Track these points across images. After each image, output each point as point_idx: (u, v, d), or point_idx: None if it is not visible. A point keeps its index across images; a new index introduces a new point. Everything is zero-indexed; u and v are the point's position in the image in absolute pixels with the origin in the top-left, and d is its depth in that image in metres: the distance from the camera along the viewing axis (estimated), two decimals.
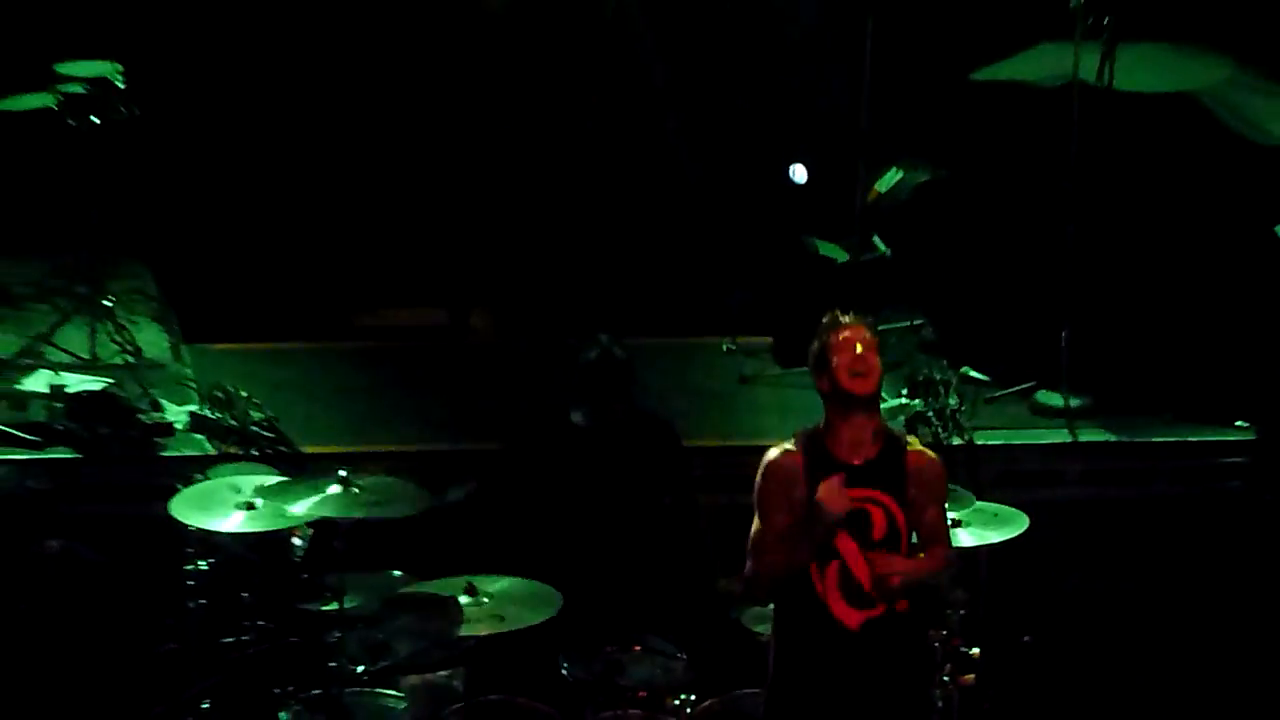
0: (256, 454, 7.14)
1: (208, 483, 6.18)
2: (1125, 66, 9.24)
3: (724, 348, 9.88)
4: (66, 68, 8.13)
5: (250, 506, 5.80)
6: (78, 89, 7.90)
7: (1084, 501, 9.17)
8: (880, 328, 6.22)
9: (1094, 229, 9.99)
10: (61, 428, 7.35)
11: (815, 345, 5.42)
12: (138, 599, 6.76)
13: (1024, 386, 9.54)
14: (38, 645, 6.64)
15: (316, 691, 6.04)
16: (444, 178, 11.11)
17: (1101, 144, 10.20)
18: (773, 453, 5.30)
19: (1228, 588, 9.20)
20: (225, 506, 5.89)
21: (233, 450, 7.23)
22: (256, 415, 7.20)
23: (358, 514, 5.74)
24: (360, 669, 5.97)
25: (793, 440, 5.34)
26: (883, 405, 5.75)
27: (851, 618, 5.23)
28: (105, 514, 7.13)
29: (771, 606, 5.51)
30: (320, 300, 9.55)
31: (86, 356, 7.85)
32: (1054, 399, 9.26)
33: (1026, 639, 8.71)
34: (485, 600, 5.80)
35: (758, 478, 5.32)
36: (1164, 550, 9.33)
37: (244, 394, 7.30)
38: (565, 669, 6.19)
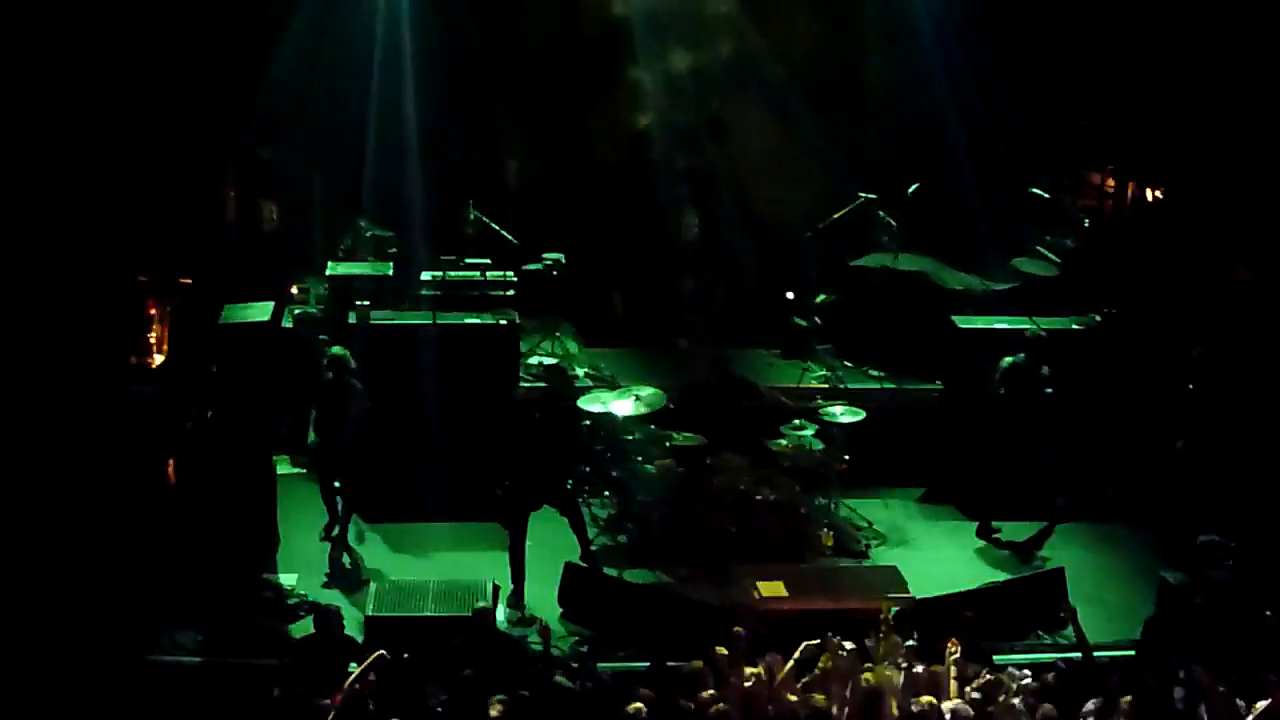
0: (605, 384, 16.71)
1: (589, 395, 15.90)
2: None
3: None
4: None
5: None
6: None
7: None
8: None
9: None
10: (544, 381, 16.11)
11: None
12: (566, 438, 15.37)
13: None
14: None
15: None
16: None
17: None
18: None
19: None
20: (595, 404, 15.72)
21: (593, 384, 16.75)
22: (607, 373, 17.43)
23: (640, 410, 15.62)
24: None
25: None
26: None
27: None
28: (551, 407, 14.88)
29: None
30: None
31: (554, 352, 17.81)
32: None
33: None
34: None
35: None
36: None
37: (602, 365, 17.68)
38: None
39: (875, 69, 19.19)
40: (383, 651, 11.57)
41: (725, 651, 11.76)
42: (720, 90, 19.30)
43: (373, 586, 13.97)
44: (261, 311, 15.40)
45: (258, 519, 14.70)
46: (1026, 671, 11.89)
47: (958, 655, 11.73)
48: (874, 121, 19.20)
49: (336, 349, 14.93)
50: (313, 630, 12.66)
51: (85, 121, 15.62)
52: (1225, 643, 12.48)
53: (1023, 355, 15.42)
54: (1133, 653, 12.76)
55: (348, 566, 14.84)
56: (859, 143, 19.22)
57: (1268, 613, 12.47)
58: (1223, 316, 16.88)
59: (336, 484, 14.89)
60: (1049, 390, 15.28)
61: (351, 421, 14.57)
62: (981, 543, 15.87)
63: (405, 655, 11.65)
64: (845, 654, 11.60)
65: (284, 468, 15.74)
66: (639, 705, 10.90)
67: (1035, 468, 15.46)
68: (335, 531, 14.88)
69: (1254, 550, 14.07)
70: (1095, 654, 12.30)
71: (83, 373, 14.88)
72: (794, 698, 11.23)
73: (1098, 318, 16.37)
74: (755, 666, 11.59)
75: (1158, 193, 19.33)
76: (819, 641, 11.60)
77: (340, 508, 14.93)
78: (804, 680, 11.48)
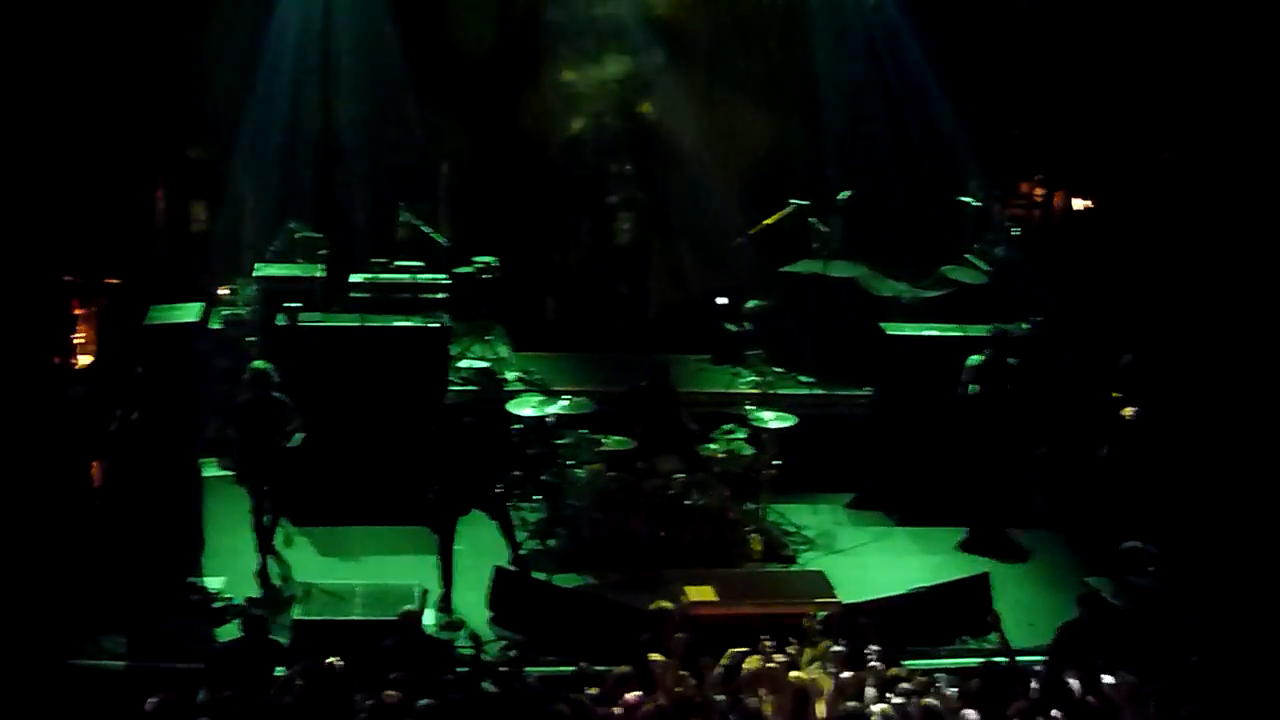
0: (536, 388, 16.77)
1: (519, 399, 15.93)
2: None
3: None
4: None
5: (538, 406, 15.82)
6: None
7: None
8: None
9: None
10: (475, 384, 16.45)
11: None
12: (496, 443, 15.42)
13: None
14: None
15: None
16: None
17: None
18: None
19: None
20: (526, 408, 15.74)
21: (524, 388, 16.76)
22: (538, 377, 17.47)
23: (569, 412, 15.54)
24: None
25: None
26: None
27: None
28: (482, 411, 15.25)
29: None
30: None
31: (485, 356, 17.66)
32: None
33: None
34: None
35: None
36: None
37: (533, 370, 17.61)
38: None
39: (809, 75, 19.21)
40: (308, 659, 11.51)
41: (657, 656, 11.75)
42: (652, 94, 19.23)
43: (300, 589, 13.86)
44: (189, 313, 15.29)
45: (184, 521, 14.57)
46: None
47: (877, 660, 11.77)
48: (806, 128, 19.20)
49: (258, 363, 14.73)
50: (239, 634, 12.54)
51: (13, 120, 15.43)
52: (1147, 648, 12.55)
53: (989, 352, 15.46)
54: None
55: (275, 573, 14.69)
56: (790, 149, 19.25)
57: (1193, 620, 12.68)
58: (1150, 324, 16.99)
59: (264, 494, 14.68)
60: (1010, 388, 15.34)
61: (279, 439, 14.40)
62: (909, 548, 15.95)
63: (332, 660, 11.56)
64: (774, 658, 11.62)
65: (211, 470, 15.61)
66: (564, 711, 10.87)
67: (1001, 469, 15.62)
68: (266, 552, 14.72)
69: (1177, 556, 14.18)
70: (1019, 659, 12.37)
71: (8, 373, 14.78)
72: (723, 698, 11.23)
73: (1026, 325, 16.45)
74: (684, 670, 11.57)
75: (1086, 202, 19.45)
76: (745, 649, 11.60)
77: (267, 518, 14.73)
78: (732, 683, 11.48)
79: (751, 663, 11.56)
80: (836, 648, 12.13)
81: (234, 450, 14.63)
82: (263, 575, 14.49)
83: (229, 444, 14.93)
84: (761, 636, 11.98)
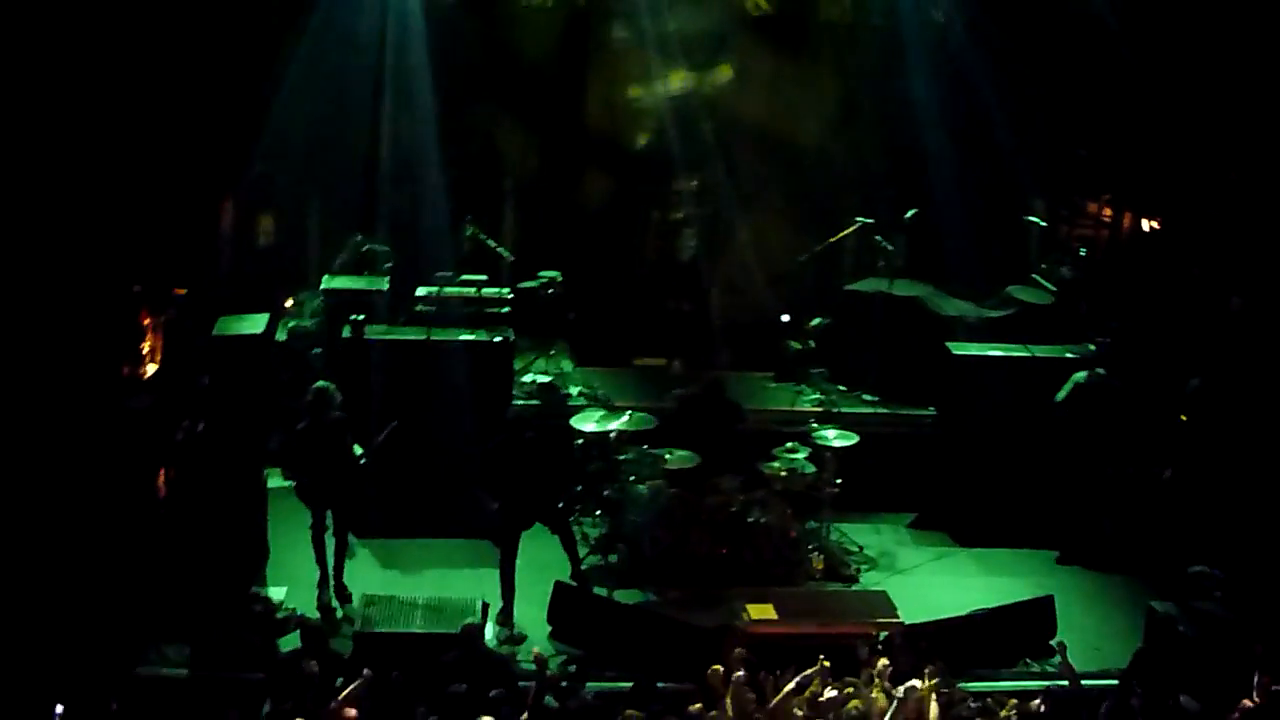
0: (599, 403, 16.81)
1: (582, 414, 16.05)
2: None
3: None
4: None
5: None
6: None
7: None
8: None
9: None
10: (538, 399, 16.91)
11: None
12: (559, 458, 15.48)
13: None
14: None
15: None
16: None
17: None
18: None
19: None
20: (588, 423, 15.77)
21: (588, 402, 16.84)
22: (600, 391, 17.49)
23: (631, 428, 15.63)
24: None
25: None
26: None
27: None
28: (544, 425, 15.27)
29: None
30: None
31: (548, 370, 17.74)
32: None
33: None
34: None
35: None
36: None
37: (595, 385, 17.64)
38: None
39: (875, 92, 19.19)
40: (368, 671, 11.54)
41: (719, 669, 11.72)
42: (717, 109, 19.26)
43: (362, 601, 13.90)
44: (255, 324, 15.40)
45: (248, 532, 14.67)
46: (1014, 700, 11.83)
47: (938, 681, 11.69)
48: (872, 146, 19.15)
49: (321, 383, 14.59)
50: (300, 645, 12.60)
51: (84, 130, 15.55)
52: (1214, 674, 12.43)
53: (1090, 371, 15.39)
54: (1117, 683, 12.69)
55: (336, 605, 14.59)
56: (856, 166, 19.19)
57: (1258, 646, 12.45)
58: (1217, 347, 16.85)
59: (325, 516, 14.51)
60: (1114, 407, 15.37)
61: (343, 461, 14.24)
62: (970, 569, 15.86)
63: (395, 674, 11.58)
64: (834, 679, 11.57)
65: (275, 481, 15.68)
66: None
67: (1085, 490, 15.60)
68: (325, 569, 14.55)
69: (1244, 581, 14.03)
70: (1083, 683, 12.28)
71: (76, 383, 14.79)
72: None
73: (1092, 347, 16.34)
74: (748, 688, 11.53)
75: (1154, 223, 19.33)
76: (817, 668, 11.55)
77: (334, 550, 14.56)
78: (794, 704, 11.43)
79: (814, 686, 11.48)
80: (892, 668, 12.03)
81: (297, 472, 14.51)
82: (322, 590, 14.46)
83: (292, 458, 14.91)
84: (820, 657, 11.87)
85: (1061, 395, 15.63)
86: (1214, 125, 17.39)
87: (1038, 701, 11.71)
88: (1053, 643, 13.10)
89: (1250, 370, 16.23)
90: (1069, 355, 16.38)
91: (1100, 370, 15.67)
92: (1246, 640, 12.92)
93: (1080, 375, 15.67)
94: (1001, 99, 18.36)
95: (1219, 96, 17.26)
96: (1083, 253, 18.60)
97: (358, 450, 14.38)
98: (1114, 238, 19.84)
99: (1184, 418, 15.19)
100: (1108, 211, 19.98)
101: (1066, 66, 18.66)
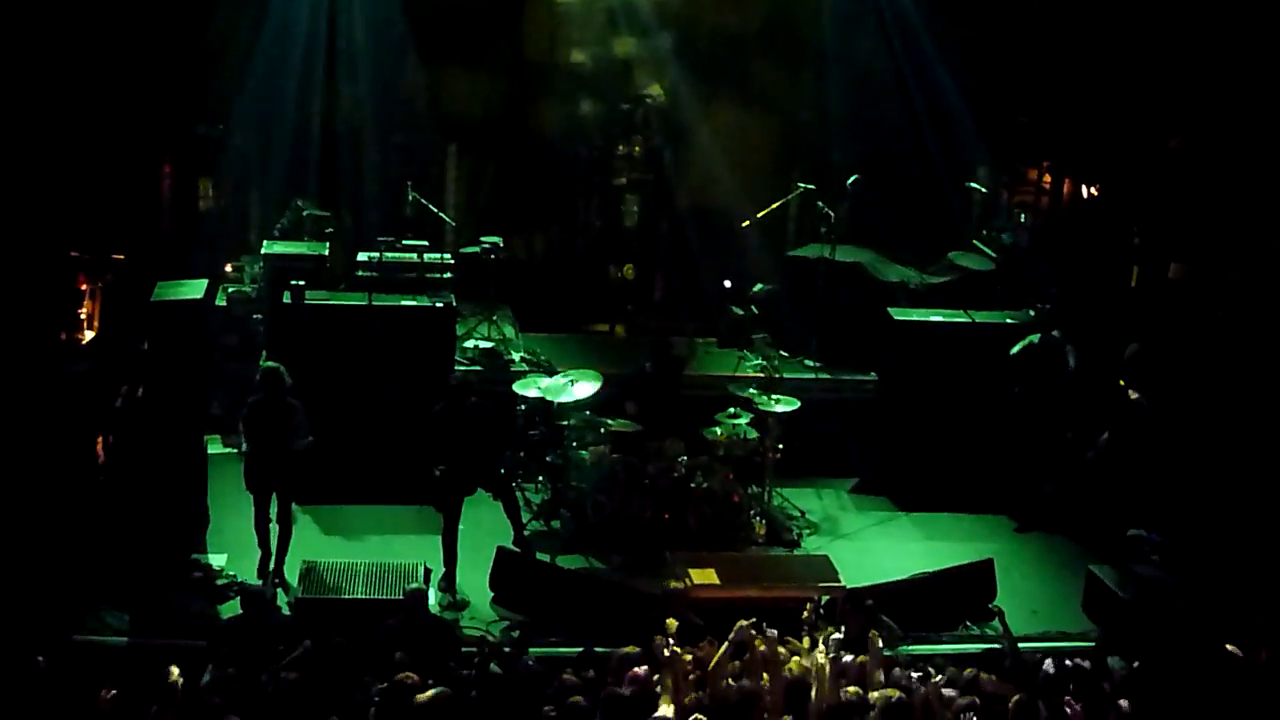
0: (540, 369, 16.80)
1: (525, 379, 15.93)
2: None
3: None
4: None
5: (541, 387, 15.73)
6: None
7: None
8: None
9: None
10: (480, 364, 16.91)
11: None
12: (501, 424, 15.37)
13: None
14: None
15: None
16: None
17: None
18: None
19: None
20: (531, 389, 15.74)
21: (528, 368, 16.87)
22: (543, 357, 17.59)
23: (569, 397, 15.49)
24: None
25: None
26: None
27: None
28: (487, 391, 15.24)
29: None
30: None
31: (491, 336, 17.70)
32: None
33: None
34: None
35: None
36: None
37: (538, 350, 17.58)
38: None
39: (818, 59, 19.27)
40: (307, 641, 11.50)
41: (660, 638, 11.72)
42: (660, 76, 19.25)
43: (302, 567, 13.85)
44: (195, 289, 15.28)
45: (188, 498, 14.58)
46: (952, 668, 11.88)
47: (881, 645, 11.74)
48: (814, 112, 19.23)
49: (271, 363, 14.33)
50: (241, 611, 12.55)
51: (19, 95, 15.41)
52: (1148, 636, 12.56)
53: (1044, 334, 15.44)
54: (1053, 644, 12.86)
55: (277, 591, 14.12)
56: (798, 133, 19.28)
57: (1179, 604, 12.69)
58: (1156, 312, 16.98)
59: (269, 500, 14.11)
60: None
61: (288, 444, 13.86)
62: (912, 533, 15.97)
63: (337, 639, 11.55)
64: (774, 642, 11.59)
65: (215, 447, 15.60)
66: (574, 688, 10.85)
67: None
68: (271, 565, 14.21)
69: (1182, 544, 14.16)
70: (1021, 646, 12.38)
71: (13, 348, 14.77)
72: (728, 683, 11.21)
73: (1032, 313, 16.45)
74: (688, 652, 11.55)
75: (1093, 189, 19.49)
76: (751, 621, 11.57)
77: (278, 535, 14.22)
78: (734, 665, 11.46)
79: (757, 644, 11.51)
80: (838, 633, 12.08)
81: (242, 454, 14.27)
82: (263, 567, 14.26)
83: (233, 423, 14.74)
84: (763, 621, 11.89)
85: (1015, 350, 15.68)
86: (1152, 92, 17.51)
87: (972, 670, 11.74)
88: (990, 606, 13.17)
89: (1188, 336, 16.37)
90: (1010, 321, 16.43)
91: (1056, 334, 15.71)
92: (1186, 603, 13.06)
93: (1035, 336, 15.73)
94: (944, 64, 18.41)
95: (1157, 63, 17.34)
96: (1024, 219, 18.72)
97: (307, 441, 14.07)
98: (1055, 204, 19.98)
99: (1121, 383, 15.27)
100: (1048, 178, 20.11)
101: (1009, 33, 18.72)
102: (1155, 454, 15.11)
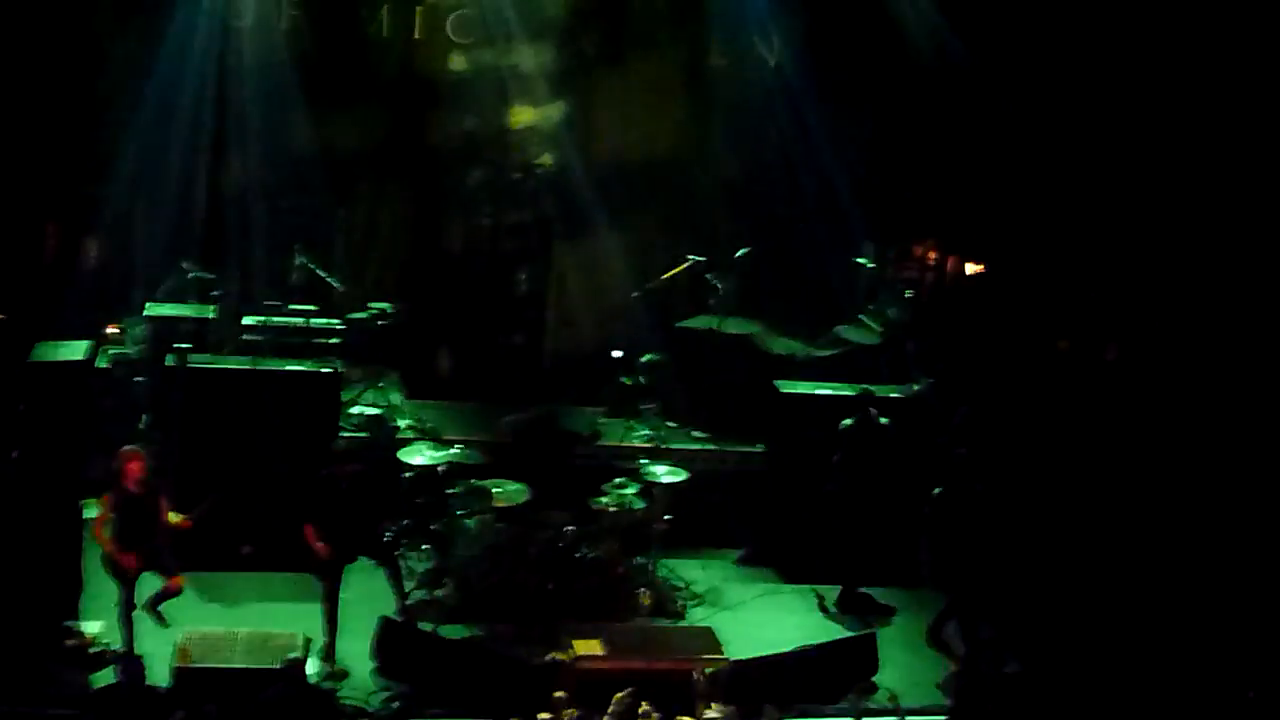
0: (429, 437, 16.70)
1: (411, 447, 16.01)
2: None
3: None
4: None
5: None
6: None
7: None
8: None
9: None
10: (366, 431, 16.97)
11: None
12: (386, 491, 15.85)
13: None
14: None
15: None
16: None
17: None
18: None
19: None
20: (418, 455, 15.85)
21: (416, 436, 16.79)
22: (430, 426, 17.55)
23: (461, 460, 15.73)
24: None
25: None
26: None
27: None
28: (372, 458, 15.59)
29: None
30: None
31: (377, 403, 17.86)
32: None
33: None
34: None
35: None
36: None
37: (424, 419, 17.64)
38: None
39: (708, 133, 19.44)
40: (180, 711, 11.29)
41: (546, 716, 11.65)
42: (552, 146, 19.32)
43: (180, 636, 13.59)
44: (76, 351, 15.07)
45: (62, 564, 14.26)
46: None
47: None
48: (705, 185, 19.37)
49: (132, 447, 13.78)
50: (115, 680, 12.28)
51: None
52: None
53: (857, 415, 15.53)
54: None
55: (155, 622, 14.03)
56: (689, 206, 19.41)
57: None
58: (1043, 385, 17.13)
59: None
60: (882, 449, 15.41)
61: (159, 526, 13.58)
62: (796, 605, 15.98)
63: (209, 707, 11.34)
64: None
65: (92, 512, 15.28)
66: None
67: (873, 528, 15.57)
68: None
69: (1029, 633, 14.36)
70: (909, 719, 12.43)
71: None
72: None
73: (917, 386, 16.57)
74: None
75: (979, 266, 19.72)
76: (629, 692, 11.49)
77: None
78: None
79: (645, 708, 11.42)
80: (722, 707, 12.04)
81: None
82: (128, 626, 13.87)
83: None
84: (646, 700, 11.82)
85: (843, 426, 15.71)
86: (1037, 171, 17.73)
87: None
88: (888, 701, 13.12)
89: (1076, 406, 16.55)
90: (895, 395, 16.54)
91: (873, 410, 15.74)
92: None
93: (847, 421, 15.76)
94: (832, 141, 18.57)
95: (1042, 144, 17.63)
96: (908, 294, 18.91)
97: (175, 518, 13.78)
98: (939, 280, 20.20)
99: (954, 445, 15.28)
100: (933, 254, 20.35)
101: (893, 109, 19.03)
102: (978, 511, 15.02)
